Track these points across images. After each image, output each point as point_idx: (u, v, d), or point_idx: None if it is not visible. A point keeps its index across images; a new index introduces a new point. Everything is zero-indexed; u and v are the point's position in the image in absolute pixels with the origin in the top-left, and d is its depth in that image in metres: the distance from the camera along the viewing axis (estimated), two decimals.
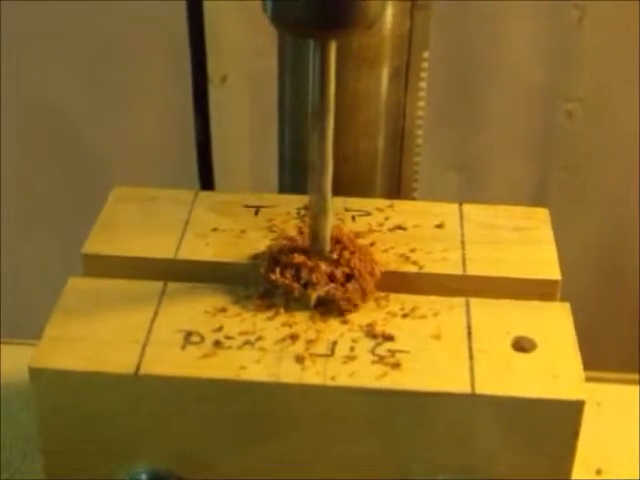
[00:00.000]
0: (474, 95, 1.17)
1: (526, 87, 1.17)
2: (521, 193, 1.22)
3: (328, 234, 0.62)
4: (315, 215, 0.62)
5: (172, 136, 1.17)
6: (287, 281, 0.61)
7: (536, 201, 1.21)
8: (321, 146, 0.60)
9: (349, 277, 0.61)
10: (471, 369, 0.57)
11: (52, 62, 1.16)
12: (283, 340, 0.58)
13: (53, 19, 1.13)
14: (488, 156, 1.21)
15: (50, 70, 1.17)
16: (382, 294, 0.62)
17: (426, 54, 0.79)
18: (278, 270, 0.61)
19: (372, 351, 0.58)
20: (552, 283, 0.63)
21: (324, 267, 0.61)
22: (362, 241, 0.65)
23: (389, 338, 0.59)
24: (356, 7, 0.56)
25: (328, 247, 0.62)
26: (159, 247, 0.65)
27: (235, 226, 0.67)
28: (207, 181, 0.91)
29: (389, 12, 0.73)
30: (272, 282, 0.61)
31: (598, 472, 0.72)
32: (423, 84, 0.80)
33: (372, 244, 0.65)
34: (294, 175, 0.82)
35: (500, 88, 1.17)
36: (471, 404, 0.55)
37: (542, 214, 0.69)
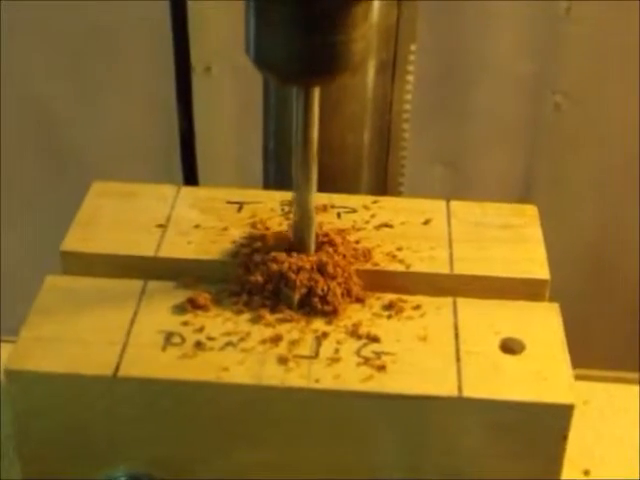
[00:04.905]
0: (461, 88, 1.16)
1: (514, 80, 1.16)
2: (508, 186, 1.21)
3: (312, 232, 0.61)
4: (299, 213, 0.60)
5: (155, 127, 1.15)
6: (268, 284, 0.59)
7: (523, 194, 1.21)
8: (304, 180, 0.59)
9: (333, 277, 0.60)
10: (458, 372, 0.55)
11: (32, 53, 1.14)
12: (266, 341, 0.57)
13: (34, 9, 1.11)
14: (475, 149, 1.20)
15: (30, 61, 1.15)
16: (368, 293, 0.61)
17: (413, 47, 0.78)
18: (259, 272, 0.60)
19: (357, 353, 0.56)
20: (541, 282, 0.62)
21: (307, 267, 0.59)
22: (347, 239, 0.64)
23: (374, 339, 0.57)
24: (341, 53, 0.53)
25: (312, 246, 0.61)
26: (139, 244, 0.63)
27: (218, 223, 0.66)
28: (190, 172, 0.89)
29: (376, 4, 0.72)
30: (252, 284, 0.60)
31: (586, 473, 0.70)
32: (410, 77, 0.79)
33: (358, 242, 0.64)
34: (279, 165, 0.80)
35: (488, 81, 1.15)
36: (458, 407, 0.54)
37: (531, 211, 0.68)
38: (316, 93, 0.56)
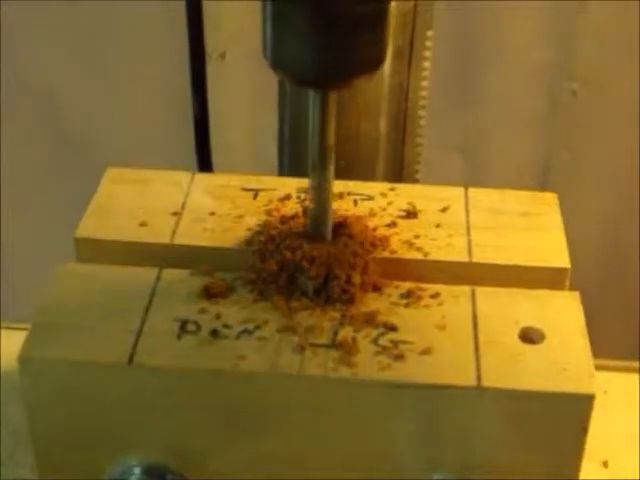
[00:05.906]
0: (478, 75, 1.15)
1: (530, 67, 1.15)
2: (525, 174, 1.20)
3: (329, 219, 0.60)
4: (316, 199, 0.59)
5: (169, 114, 1.15)
6: (283, 272, 0.59)
7: (539, 182, 1.20)
8: (321, 172, 0.58)
9: (351, 265, 0.59)
10: (477, 361, 0.55)
11: (45, 40, 1.14)
12: (283, 329, 0.56)
13: None
14: (492, 137, 1.19)
15: (42, 48, 1.14)
16: (385, 282, 0.60)
17: (430, 33, 0.77)
18: (274, 260, 0.59)
19: (375, 342, 0.56)
20: (561, 271, 0.61)
21: (324, 255, 0.59)
22: (364, 226, 0.63)
23: (392, 328, 0.57)
24: (358, 57, 0.52)
25: (329, 233, 0.60)
26: (154, 232, 0.63)
27: (233, 210, 0.65)
28: (205, 159, 0.89)
29: None
30: (267, 272, 0.59)
31: (604, 464, 0.70)
32: (427, 64, 0.78)
33: (375, 229, 0.63)
34: (294, 152, 0.80)
35: (504, 68, 1.15)
36: (477, 397, 0.54)
37: (550, 199, 0.67)
38: (333, 95, 0.55)
